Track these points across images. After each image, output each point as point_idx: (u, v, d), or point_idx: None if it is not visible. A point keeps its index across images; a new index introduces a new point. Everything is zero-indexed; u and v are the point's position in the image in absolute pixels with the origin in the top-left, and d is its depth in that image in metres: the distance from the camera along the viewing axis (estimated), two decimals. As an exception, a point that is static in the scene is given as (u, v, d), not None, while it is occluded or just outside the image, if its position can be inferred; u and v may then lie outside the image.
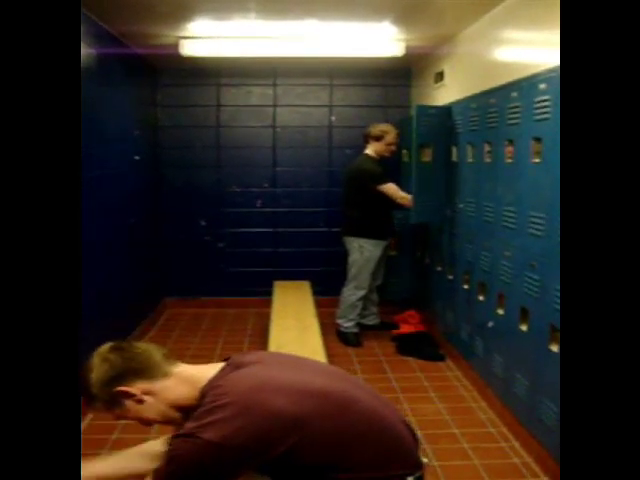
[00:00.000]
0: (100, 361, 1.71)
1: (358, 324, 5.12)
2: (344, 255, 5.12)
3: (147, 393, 1.71)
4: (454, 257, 4.49)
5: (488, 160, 3.79)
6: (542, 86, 2.99)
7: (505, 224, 3.49)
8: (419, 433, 3.32)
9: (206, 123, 6.00)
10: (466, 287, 4.22)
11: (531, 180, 3.14)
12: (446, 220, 4.64)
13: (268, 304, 4.88)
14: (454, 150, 4.48)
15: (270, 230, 6.12)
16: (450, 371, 4.45)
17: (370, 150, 4.97)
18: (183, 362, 1.82)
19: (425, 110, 4.70)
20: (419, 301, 5.45)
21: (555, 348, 2.89)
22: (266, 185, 6.09)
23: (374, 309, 5.32)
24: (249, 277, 6.15)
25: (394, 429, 1.73)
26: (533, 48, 3.24)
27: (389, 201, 4.82)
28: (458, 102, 4.42)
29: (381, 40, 4.66)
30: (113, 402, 1.72)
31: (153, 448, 1.99)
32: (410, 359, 4.69)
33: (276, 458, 1.55)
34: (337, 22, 4.14)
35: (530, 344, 3.17)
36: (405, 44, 4.70)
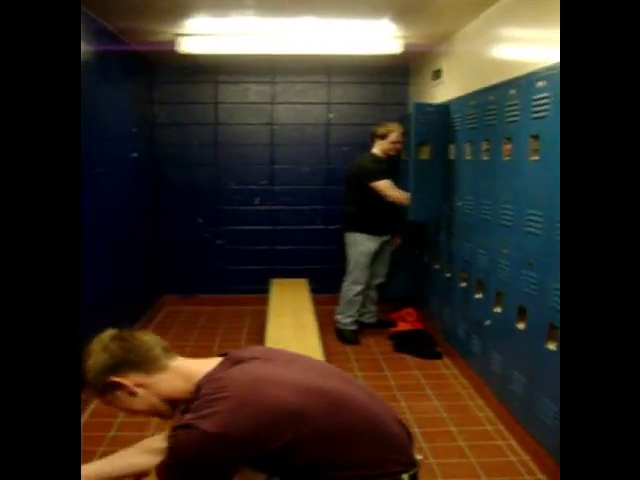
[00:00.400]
0: (100, 349, 1.70)
1: (356, 322, 5.12)
2: (342, 252, 5.12)
3: (140, 386, 1.71)
4: (452, 255, 4.49)
5: (486, 158, 3.79)
6: (540, 84, 2.99)
7: (503, 222, 3.49)
8: (416, 431, 3.33)
9: (204, 120, 6.00)
10: (464, 285, 4.22)
11: (529, 178, 3.13)
12: (444, 218, 4.64)
13: (265, 302, 4.88)
14: (452, 148, 4.48)
15: (268, 228, 6.11)
16: (447, 369, 4.45)
17: (376, 148, 4.98)
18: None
19: (423, 108, 4.70)
20: (417, 299, 5.45)
21: (553, 346, 2.89)
22: (264, 182, 6.08)
23: (372, 307, 5.33)
24: (247, 275, 6.15)
25: (388, 427, 1.73)
26: (531, 46, 3.23)
27: (384, 198, 4.84)
28: (456, 100, 4.42)
29: (379, 37, 4.66)
30: (105, 390, 1.72)
31: (155, 444, 1.99)
32: (407, 357, 4.69)
33: (272, 454, 1.55)
34: (335, 19, 4.13)
35: (527, 342, 3.17)
36: (403, 42, 4.69)
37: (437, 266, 4.89)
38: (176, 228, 6.07)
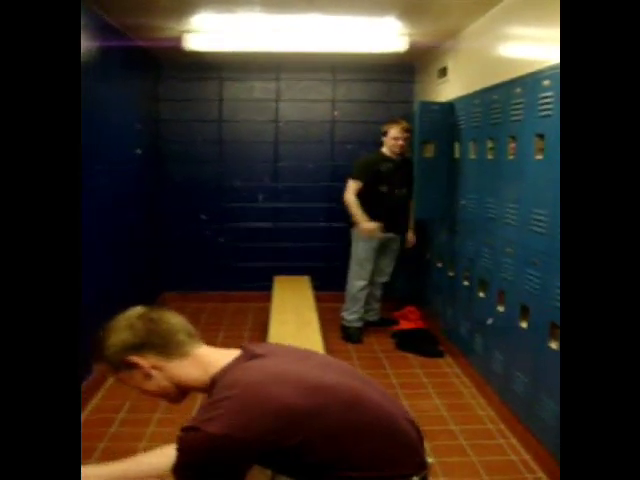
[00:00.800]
0: (125, 326, 1.70)
1: (361, 319, 5.11)
2: (344, 250, 5.12)
3: (156, 368, 1.70)
4: (455, 253, 4.48)
5: (490, 157, 3.78)
6: (546, 82, 2.98)
7: (507, 221, 3.48)
8: (418, 429, 3.33)
9: (208, 117, 6.00)
10: (466, 284, 4.22)
11: (534, 177, 3.13)
12: (448, 216, 4.63)
13: (268, 299, 4.88)
14: (457, 146, 4.47)
15: (271, 225, 6.11)
16: (449, 367, 4.44)
17: (384, 147, 5.00)
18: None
19: (428, 106, 4.70)
20: (419, 297, 5.45)
21: (555, 345, 2.89)
22: (267, 180, 6.08)
23: (376, 305, 5.32)
24: (250, 272, 6.15)
25: (401, 428, 1.71)
26: (537, 44, 3.23)
27: (384, 195, 4.90)
28: (461, 98, 4.41)
29: (385, 35, 4.65)
30: (120, 367, 1.71)
31: (171, 450, 1.96)
32: (409, 355, 4.69)
33: (281, 453, 1.55)
34: (341, 17, 4.12)
35: (530, 341, 3.17)
36: (409, 39, 4.68)
37: (440, 264, 4.89)
38: (179, 225, 6.07)
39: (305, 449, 1.55)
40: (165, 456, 1.88)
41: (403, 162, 5.00)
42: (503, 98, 3.57)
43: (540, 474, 3.01)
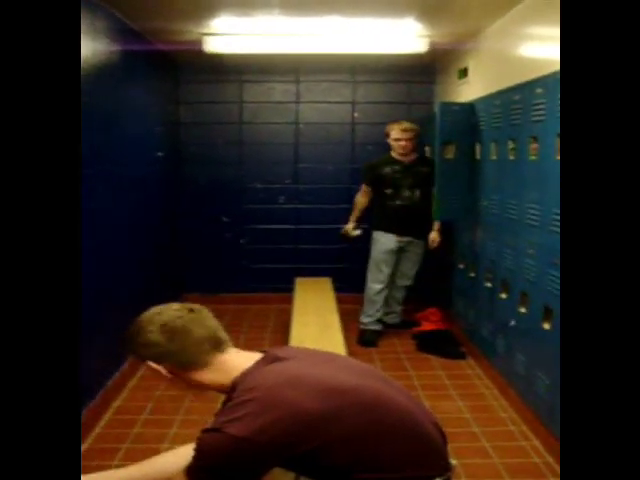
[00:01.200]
0: (155, 330, 1.72)
1: (379, 322, 5.09)
2: (365, 252, 5.12)
3: (175, 374, 1.75)
4: (477, 255, 4.46)
5: (512, 157, 3.76)
6: (567, 82, 2.95)
7: (529, 222, 3.46)
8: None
9: (228, 120, 6.03)
10: (488, 285, 4.19)
11: (556, 177, 3.10)
12: (469, 217, 4.61)
13: (289, 300, 4.89)
14: (478, 147, 4.45)
15: (292, 227, 6.12)
16: (471, 369, 4.42)
17: (392, 149, 5.02)
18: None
19: (449, 107, 4.68)
20: (441, 299, 5.43)
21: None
22: (288, 181, 6.10)
23: (397, 308, 5.30)
24: (271, 273, 6.17)
25: (425, 430, 1.71)
26: (558, 44, 3.20)
27: (389, 198, 4.95)
28: (482, 99, 4.39)
29: (405, 36, 4.64)
30: (143, 359, 1.76)
31: (186, 450, 1.97)
32: (431, 357, 4.67)
33: (302, 455, 1.56)
34: (360, 18, 4.12)
35: (553, 343, 3.14)
36: (429, 40, 4.66)
37: (462, 266, 4.87)
38: (200, 226, 6.10)
39: (324, 452, 1.56)
40: (177, 457, 1.90)
41: (416, 163, 4.96)
42: (524, 98, 3.54)
43: (564, 477, 2.99)
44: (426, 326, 5.14)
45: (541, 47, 3.46)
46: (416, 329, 5.15)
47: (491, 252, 4.13)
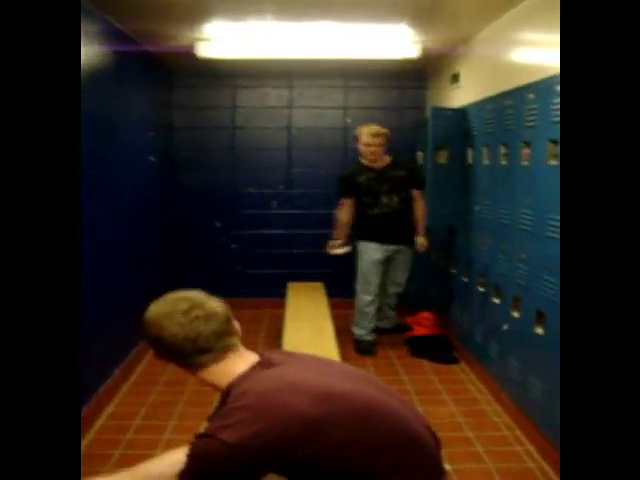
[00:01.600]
0: (174, 325, 1.71)
1: (374, 331, 5.03)
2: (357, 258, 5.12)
3: (178, 365, 1.76)
4: (469, 259, 4.47)
5: (504, 162, 3.77)
6: (559, 88, 2.97)
7: (521, 227, 3.47)
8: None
9: (221, 125, 6.03)
10: (481, 290, 4.20)
11: (548, 182, 3.11)
12: (462, 222, 4.62)
13: (282, 305, 4.88)
14: (470, 152, 4.46)
15: (285, 232, 6.12)
16: (464, 374, 4.43)
17: (361, 156, 4.90)
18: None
19: (441, 112, 4.69)
20: (434, 304, 5.43)
21: (571, 352, 2.87)
22: (281, 187, 6.10)
23: (391, 313, 5.29)
24: (263, 278, 6.16)
25: (418, 435, 1.70)
26: (550, 50, 3.21)
27: (368, 206, 4.82)
28: (474, 104, 4.41)
29: (397, 42, 4.65)
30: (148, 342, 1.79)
31: (176, 455, 1.96)
32: (424, 362, 4.67)
33: (297, 461, 1.55)
34: (353, 24, 4.13)
35: (546, 347, 3.15)
36: (421, 46, 4.68)
37: (454, 270, 4.88)
38: (193, 232, 6.10)
39: (319, 458, 1.55)
40: (172, 464, 1.87)
41: (390, 168, 4.82)
42: (516, 104, 3.56)
43: (557, 481, 3.00)
44: (419, 331, 5.15)
45: (533, 52, 3.48)
46: (409, 334, 5.15)
47: (484, 257, 4.14)
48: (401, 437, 1.66)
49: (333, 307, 4.75)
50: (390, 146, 4.85)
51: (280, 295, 5.32)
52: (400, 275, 5.08)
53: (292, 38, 4.51)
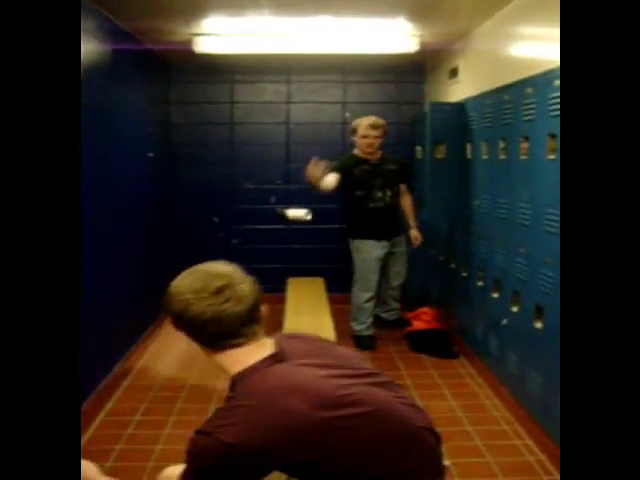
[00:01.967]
0: (199, 302, 1.67)
1: (377, 321, 5.05)
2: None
3: (194, 340, 1.72)
4: (468, 254, 4.47)
5: (503, 157, 3.77)
6: (557, 82, 2.97)
7: (520, 221, 3.47)
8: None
9: (220, 120, 6.02)
10: (480, 284, 4.20)
11: (547, 177, 3.11)
12: (460, 217, 4.62)
13: (282, 301, 4.88)
14: (468, 147, 4.46)
15: (284, 227, 6.11)
16: (464, 368, 4.43)
17: (356, 148, 4.85)
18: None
19: (439, 107, 4.69)
20: (433, 298, 5.44)
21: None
22: (280, 182, 6.10)
23: (395, 304, 5.28)
24: (263, 273, 6.07)
25: (420, 437, 1.68)
26: (548, 44, 3.21)
27: (361, 200, 4.76)
28: (472, 98, 4.40)
29: (395, 36, 4.64)
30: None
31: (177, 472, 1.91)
32: (423, 356, 4.68)
33: (297, 464, 1.54)
34: (351, 18, 4.13)
35: (545, 342, 3.16)
36: (419, 40, 4.67)
37: (453, 265, 4.88)
38: (191, 227, 6.09)
39: (324, 461, 1.53)
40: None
41: (383, 162, 4.80)
42: (515, 98, 3.56)
43: (556, 475, 3.00)
44: (418, 325, 5.14)
45: (531, 47, 3.48)
46: (408, 329, 5.15)
47: (483, 251, 4.14)
48: (405, 438, 1.64)
49: (333, 302, 4.75)
50: (387, 141, 4.85)
51: (280, 290, 5.32)
52: (401, 266, 5.11)
53: (290, 33, 4.51)
